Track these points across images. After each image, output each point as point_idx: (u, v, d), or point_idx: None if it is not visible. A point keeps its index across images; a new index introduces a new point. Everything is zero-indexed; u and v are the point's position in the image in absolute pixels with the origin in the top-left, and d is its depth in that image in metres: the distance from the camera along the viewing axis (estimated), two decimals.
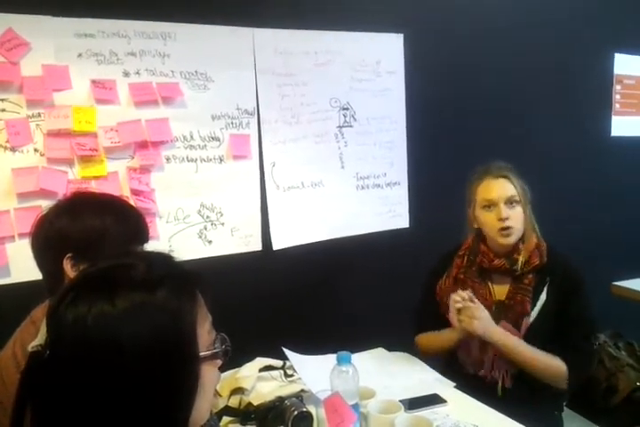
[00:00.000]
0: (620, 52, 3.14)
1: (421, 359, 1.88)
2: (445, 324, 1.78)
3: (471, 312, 1.65)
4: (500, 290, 1.78)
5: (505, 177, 1.75)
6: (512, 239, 1.73)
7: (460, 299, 1.67)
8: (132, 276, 0.74)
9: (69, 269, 1.22)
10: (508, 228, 1.71)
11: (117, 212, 1.31)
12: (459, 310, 1.67)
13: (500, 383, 1.76)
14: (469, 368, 1.81)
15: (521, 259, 1.73)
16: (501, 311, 1.74)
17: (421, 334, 1.92)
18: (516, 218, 1.73)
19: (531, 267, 1.74)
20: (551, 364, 1.68)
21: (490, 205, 1.74)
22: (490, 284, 1.80)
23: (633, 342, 2.42)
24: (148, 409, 0.70)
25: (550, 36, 2.83)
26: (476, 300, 1.68)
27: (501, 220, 1.71)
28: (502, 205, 1.72)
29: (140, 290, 0.72)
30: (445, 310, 1.79)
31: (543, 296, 1.73)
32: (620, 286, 2.61)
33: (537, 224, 1.79)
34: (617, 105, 3.18)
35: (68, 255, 1.22)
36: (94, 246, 1.22)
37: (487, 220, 1.75)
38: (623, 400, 2.21)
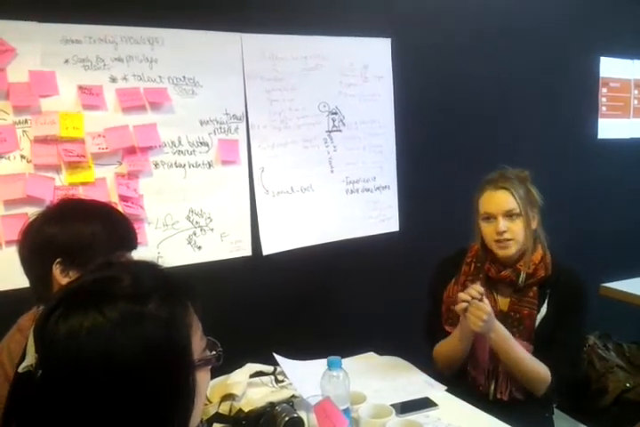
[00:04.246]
0: (606, 56, 3.16)
1: (412, 363, 1.88)
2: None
3: (481, 311, 1.58)
4: (502, 301, 1.77)
5: (505, 189, 1.71)
6: (510, 251, 1.71)
7: (469, 298, 1.59)
8: (121, 289, 0.73)
9: (59, 275, 1.22)
10: (505, 240, 1.70)
11: (105, 218, 1.31)
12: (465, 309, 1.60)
13: (492, 387, 1.77)
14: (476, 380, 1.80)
15: (523, 270, 1.71)
16: (502, 322, 1.69)
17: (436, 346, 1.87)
18: (516, 230, 1.70)
19: (535, 279, 1.72)
20: (539, 369, 1.67)
21: (489, 217, 1.73)
22: (495, 293, 1.78)
23: (622, 342, 2.43)
24: (151, 419, 0.70)
25: (537, 39, 2.85)
26: (485, 300, 1.61)
27: (499, 233, 1.70)
28: (500, 219, 1.70)
29: (132, 303, 0.72)
30: (450, 317, 1.77)
31: (544, 309, 1.72)
32: (608, 288, 2.62)
33: (545, 235, 1.76)
34: (603, 108, 3.21)
35: (57, 260, 1.22)
36: (83, 253, 1.22)
37: (486, 232, 1.74)
38: (613, 401, 2.21)
